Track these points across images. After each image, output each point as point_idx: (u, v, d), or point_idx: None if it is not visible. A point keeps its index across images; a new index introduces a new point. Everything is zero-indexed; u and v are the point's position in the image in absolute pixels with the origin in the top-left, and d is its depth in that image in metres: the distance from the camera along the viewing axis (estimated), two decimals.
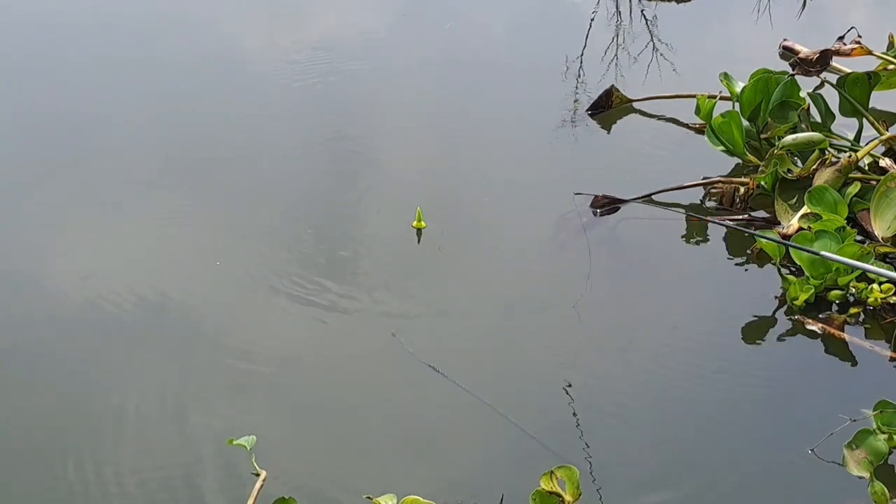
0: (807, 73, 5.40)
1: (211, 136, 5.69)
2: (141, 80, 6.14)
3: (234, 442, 3.83)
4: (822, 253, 4.37)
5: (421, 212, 4.96)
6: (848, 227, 4.72)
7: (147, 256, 4.89)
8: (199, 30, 6.74)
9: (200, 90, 6.07)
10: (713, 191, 5.21)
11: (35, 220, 5.12)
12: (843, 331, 4.50)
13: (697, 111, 5.39)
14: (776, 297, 4.67)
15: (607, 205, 5.17)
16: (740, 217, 5.08)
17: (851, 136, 5.32)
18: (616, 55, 6.37)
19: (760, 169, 5.12)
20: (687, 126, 5.69)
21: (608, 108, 5.86)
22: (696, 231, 5.07)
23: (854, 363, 4.40)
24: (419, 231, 4.97)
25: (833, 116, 5.34)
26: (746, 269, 4.88)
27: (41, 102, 5.98)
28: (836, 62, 5.73)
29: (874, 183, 4.92)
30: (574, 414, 4.17)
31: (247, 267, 4.84)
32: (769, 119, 5.30)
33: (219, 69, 6.27)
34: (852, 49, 5.55)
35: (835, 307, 4.61)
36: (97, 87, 6.11)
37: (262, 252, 4.92)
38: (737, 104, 5.38)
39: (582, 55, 6.34)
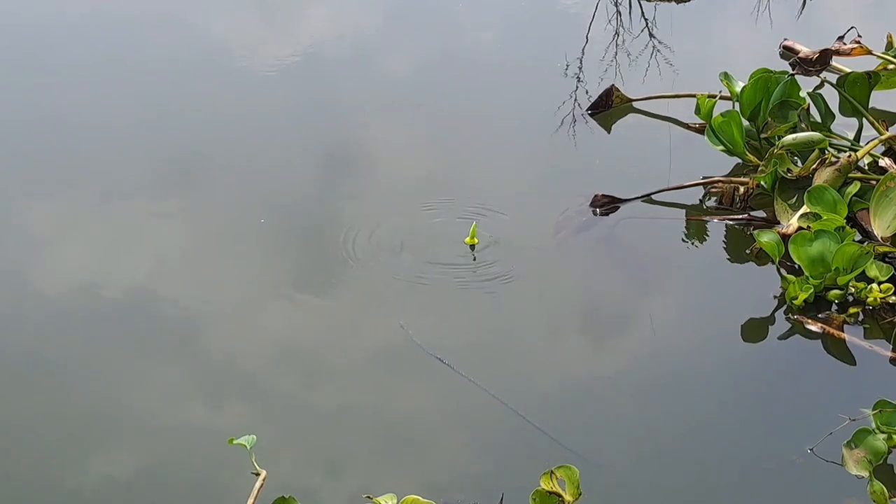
0: (807, 73, 5.40)
1: (204, 139, 5.67)
2: (131, 82, 6.13)
3: (235, 441, 3.83)
4: None
5: (475, 228, 4.92)
6: (847, 227, 4.72)
7: (146, 257, 4.89)
8: (189, 31, 6.73)
9: (192, 93, 6.06)
10: (713, 190, 5.21)
11: (27, 223, 5.12)
12: (842, 330, 4.50)
13: (697, 111, 5.39)
14: (775, 297, 4.67)
15: (607, 204, 5.17)
16: (740, 216, 5.09)
17: (851, 136, 5.32)
18: (616, 55, 6.37)
19: (760, 168, 5.12)
20: (687, 126, 5.69)
21: (608, 107, 5.86)
22: (695, 230, 5.08)
23: (853, 363, 4.40)
24: (472, 247, 4.94)
25: (833, 116, 5.34)
26: (746, 269, 4.89)
27: (28, 105, 5.97)
28: (835, 62, 5.73)
29: (874, 182, 4.92)
30: (575, 413, 4.18)
31: (245, 267, 4.85)
32: (769, 119, 5.30)
33: (209, 71, 6.26)
34: (852, 49, 5.55)
35: (834, 307, 4.61)
36: (85, 89, 6.09)
37: (260, 253, 4.93)
38: (737, 104, 5.38)
39: (582, 55, 6.35)
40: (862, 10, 6.91)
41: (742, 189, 5.13)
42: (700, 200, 5.23)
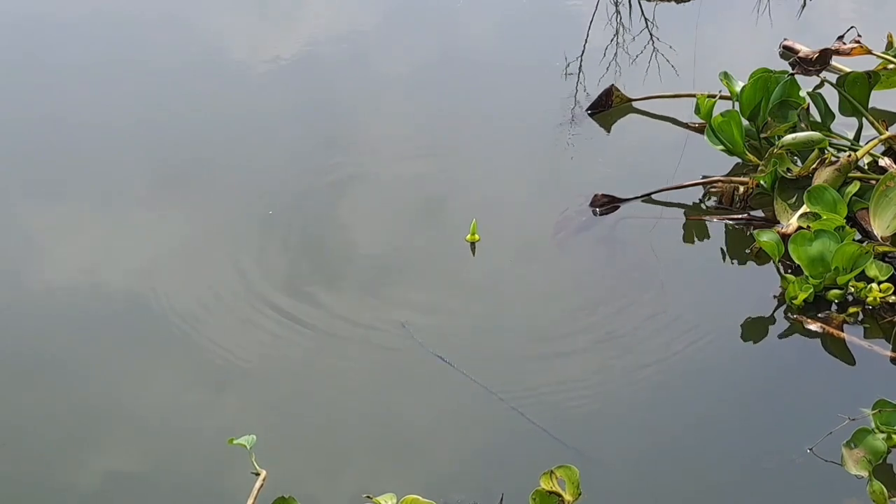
0: (806, 73, 5.40)
1: (204, 139, 5.67)
2: (131, 82, 6.13)
3: (235, 441, 3.83)
4: None
5: (476, 224, 4.93)
6: (847, 227, 4.72)
7: (146, 257, 4.89)
8: (189, 31, 6.74)
9: (192, 93, 6.06)
10: (713, 190, 5.21)
11: (27, 222, 5.12)
12: (842, 330, 4.50)
13: (697, 111, 5.39)
14: (775, 297, 4.67)
15: (606, 204, 5.17)
16: (740, 216, 5.09)
17: (851, 136, 5.32)
18: (616, 55, 6.37)
19: (760, 168, 5.12)
20: (687, 126, 5.70)
21: (608, 107, 5.87)
22: (695, 230, 5.08)
23: (853, 362, 4.40)
24: (473, 245, 4.95)
25: (833, 116, 5.35)
26: (746, 269, 4.89)
27: (28, 105, 5.97)
28: (835, 61, 5.73)
29: (874, 182, 4.92)
30: (575, 412, 4.18)
31: (245, 266, 4.85)
32: (769, 118, 5.30)
33: (209, 71, 6.27)
34: (852, 48, 5.55)
35: (834, 306, 4.61)
36: (85, 89, 6.09)
37: (260, 252, 4.93)
38: (736, 103, 5.38)
39: (582, 55, 6.35)
40: (862, 10, 6.91)
41: (742, 189, 5.13)
42: (700, 200, 5.23)
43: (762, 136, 5.33)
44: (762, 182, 5.07)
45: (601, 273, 4.88)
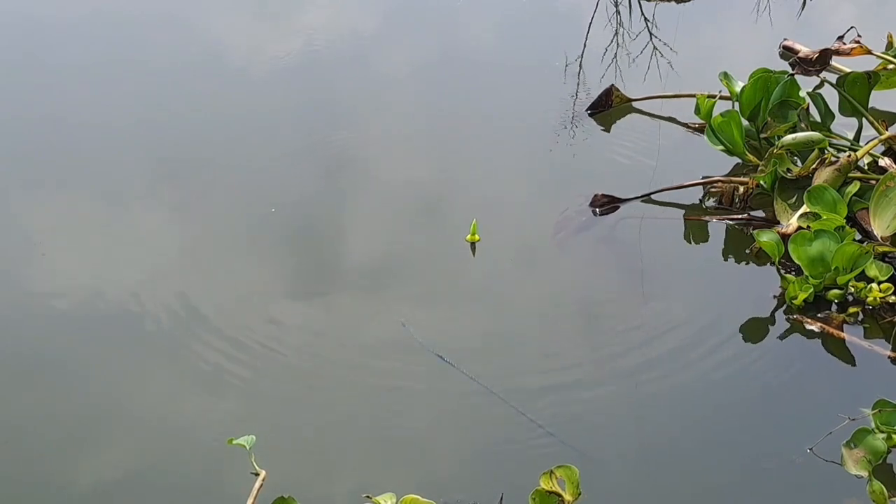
0: (806, 73, 5.41)
1: (204, 139, 5.67)
2: (131, 82, 6.13)
3: (234, 441, 3.83)
4: None
5: (476, 224, 4.94)
6: (847, 227, 4.72)
7: (145, 257, 4.89)
8: (189, 31, 6.74)
9: (192, 93, 6.06)
10: (713, 190, 5.22)
11: (27, 223, 5.12)
12: (841, 330, 4.50)
13: (697, 111, 5.39)
14: (775, 297, 4.67)
15: (607, 204, 5.17)
16: (740, 216, 5.09)
17: (851, 136, 5.33)
18: (616, 55, 6.37)
19: (760, 168, 5.12)
20: (687, 126, 5.70)
21: (608, 107, 5.87)
22: (695, 230, 5.08)
23: (853, 362, 4.40)
24: (473, 245, 4.95)
25: (833, 116, 5.35)
26: (746, 269, 4.89)
27: (28, 105, 5.97)
28: (835, 62, 5.73)
29: (873, 182, 4.92)
30: (576, 412, 4.18)
31: (245, 266, 4.85)
32: (769, 118, 5.30)
33: (209, 71, 6.27)
34: (852, 48, 5.55)
35: (834, 306, 4.61)
36: (85, 89, 6.09)
37: (259, 253, 4.94)
38: (736, 104, 5.38)
39: (582, 55, 6.35)
40: (862, 10, 6.91)
41: (742, 189, 5.13)
42: (700, 200, 5.23)
43: (762, 136, 5.33)
44: (762, 182, 5.07)
45: (601, 273, 4.88)
